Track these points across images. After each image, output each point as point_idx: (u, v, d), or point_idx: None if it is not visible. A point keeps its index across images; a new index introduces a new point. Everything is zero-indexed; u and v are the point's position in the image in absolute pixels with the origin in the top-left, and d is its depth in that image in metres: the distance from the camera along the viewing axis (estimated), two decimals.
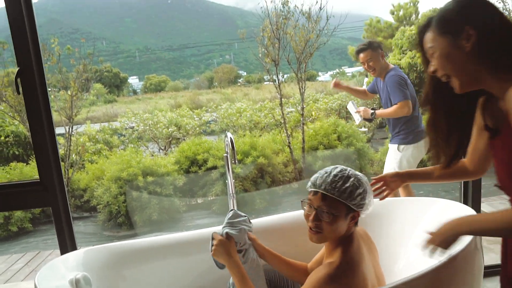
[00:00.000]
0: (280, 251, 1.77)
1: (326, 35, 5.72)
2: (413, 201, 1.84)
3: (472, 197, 2.39)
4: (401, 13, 12.74)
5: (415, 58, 7.35)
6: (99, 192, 5.05)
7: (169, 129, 7.64)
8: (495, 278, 2.49)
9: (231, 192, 1.98)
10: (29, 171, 5.62)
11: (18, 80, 2.05)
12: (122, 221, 4.96)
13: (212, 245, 1.48)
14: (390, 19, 13.41)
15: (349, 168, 1.35)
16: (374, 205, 1.39)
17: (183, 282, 1.86)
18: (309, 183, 1.35)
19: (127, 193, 4.94)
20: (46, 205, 2.15)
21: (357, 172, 1.35)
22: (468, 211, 1.61)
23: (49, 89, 6.12)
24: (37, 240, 5.08)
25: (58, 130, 7.75)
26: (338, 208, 1.27)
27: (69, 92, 5.65)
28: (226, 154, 1.95)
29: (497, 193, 4.68)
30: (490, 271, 2.57)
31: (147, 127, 7.80)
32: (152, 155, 6.80)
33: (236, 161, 1.82)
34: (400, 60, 7.54)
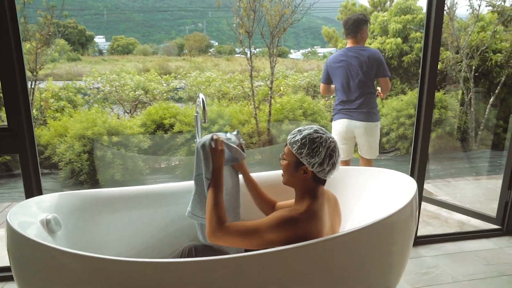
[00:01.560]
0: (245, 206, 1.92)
1: (301, 12, 5.79)
2: (363, 171, 2.03)
3: (418, 171, 2.63)
4: None
5: (384, 44, 7.60)
6: (62, 149, 5.00)
7: (136, 93, 7.56)
8: (428, 246, 2.79)
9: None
10: None
11: None
12: (84, 179, 4.96)
13: (210, 145, 1.65)
14: (366, 3, 13.57)
15: (322, 130, 1.53)
16: (340, 172, 1.59)
17: (149, 231, 1.98)
18: None
19: (91, 151, 4.93)
20: (14, 152, 2.18)
21: (323, 135, 1.50)
22: (409, 181, 1.81)
23: None
24: None
25: None
26: (290, 157, 1.53)
27: (33, 44, 5.45)
28: (196, 114, 2.05)
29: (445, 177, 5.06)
30: (425, 240, 2.87)
31: (113, 89, 7.67)
32: (118, 117, 6.74)
33: (206, 121, 1.93)
34: (370, 44, 7.77)
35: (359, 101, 3.11)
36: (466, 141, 6.74)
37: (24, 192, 2.30)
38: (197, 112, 2.04)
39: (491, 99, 6.56)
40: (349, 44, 3.15)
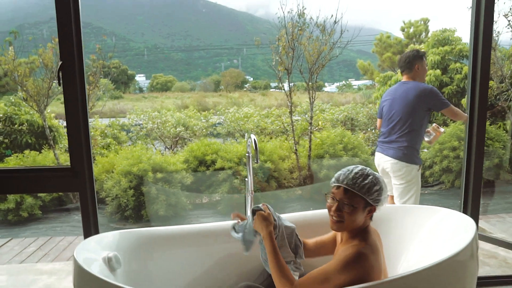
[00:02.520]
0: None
1: (338, 48, 5.89)
2: (417, 209, 1.98)
3: (471, 207, 2.54)
4: (411, 30, 12.93)
5: None
6: (109, 185, 5.20)
7: (177, 129, 7.81)
8: None
9: (250, 189, 2.13)
10: (41, 159, 5.78)
11: (60, 73, 2.22)
12: (129, 214, 5.10)
13: (252, 219, 1.67)
14: (400, 35, 13.61)
15: (368, 168, 1.55)
16: (383, 210, 1.57)
17: (202, 268, 2.00)
18: (333, 179, 1.55)
19: (136, 187, 5.09)
20: (75, 190, 2.30)
21: (375, 172, 1.55)
22: (467, 220, 1.75)
23: None
24: (46, 226, 5.23)
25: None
26: (357, 201, 1.47)
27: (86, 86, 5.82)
28: (248, 154, 2.10)
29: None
30: (485, 281, 2.72)
31: (155, 125, 7.96)
32: (162, 154, 6.96)
33: (258, 161, 1.97)
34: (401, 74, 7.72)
35: (393, 136, 2.99)
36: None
37: (82, 228, 2.40)
38: (248, 152, 2.10)
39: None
40: (403, 79, 3.10)
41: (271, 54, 5.98)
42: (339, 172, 1.56)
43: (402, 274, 1.40)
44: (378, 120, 3.29)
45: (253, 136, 2.01)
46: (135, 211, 5.10)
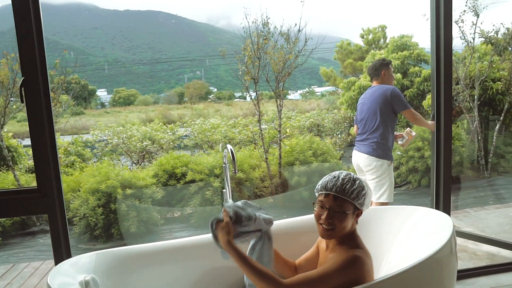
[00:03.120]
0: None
1: (303, 56, 5.98)
2: (395, 209, 2.02)
3: (443, 205, 2.62)
4: (370, 37, 13.38)
5: None
6: (76, 204, 4.99)
7: (143, 143, 7.65)
8: (461, 282, 2.72)
9: (228, 200, 2.10)
10: None
11: (22, 89, 2.11)
12: (99, 234, 4.90)
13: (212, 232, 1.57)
14: (360, 42, 14.04)
15: (352, 173, 1.56)
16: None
17: (183, 285, 1.94)
18: (319, 187, 1.54)
19: (105, 205, 4.91)
20: (44, 212, 2.18)
21: (359, 176, 1.56)
22: (444, 218, 1.80)
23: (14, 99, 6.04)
24: (7, 254, 4.93)
25: (26, 142, 7.58)
26: (347, 207, 1.47)
27: None
28: (224, 165, 2.07)
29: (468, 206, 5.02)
30: (457, 275, 2.80)
31: (121, 141, 7.76)
32: (130, 169, 6.78)
33: (236, 171, 1.95)
34: (370, 81, 7.94)
35: (365, 134, 3.23)
36: (477, 170, 6.73)
37: (49, 251, 2.28)
38: (224, 163, 2.07)
39: (497, 126, 6.62)
40: (372, 85, 3.37)
41: (237, 65, 6.00)
42: (324, 180, 1.54)
43: (386, 276, 1.41)
44: (355, 126, 3.48)
45: (229, 147, 1.99)
46: (104, 230, 4.91)
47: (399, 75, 7.75)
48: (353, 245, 1.48)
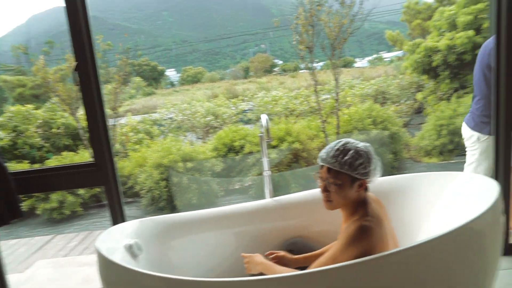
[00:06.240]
0: (314, 222, 1.92)
1: (361, 20, 5.69)
2: (434, 176, 1.89)
3: (503, 168, 2.40)
4: None
5: (454, 40, 7.15)
6: (142, 178, 5.37)
7: (207, 119, 7.91)
8: None
9: (266, 169, 2.13)
10: (78, 159, 6.05)
11: (76, 73, 2.30)
12: (164, 206, 5.25)
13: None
14: (430, 0, 12.95)
15: (352, 140, 1.46)
16: (398, 180, 1.49)
17: (224, 252, 2.04)
18: (318, 158, 1.48)
19: (169, 178, 5.22)
20: (101, 184, 2.39)
21: (360, 144, 1.45)
22: (489, 183, 1.65)
23: None
24: (87, 222, 5.50)
25: None
26: (342, 178, 1.40)
27: (113, 85, 6.00)
28: (261, 134, 2.10)
29: None
30: None
31: (186, 117, 8.11)
32: (191, 144, 7.09)
33: (271, 139, 1.96)
34: (438, 42, 7.36)
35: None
36: None
37: (111, 220, 2.50)
38: (261, 133, 2.09)
39: None
40: None
41: (292, 35, 5.89)
42: (323, 150, 1.47)
43: (411, 244, 1.34)
44: None
45: (264, 116, 2.00)
46: (168, 202, 5.25)
47: (471, 32, 7.07)
48: (360, 214, 1.40)
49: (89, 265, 3.17)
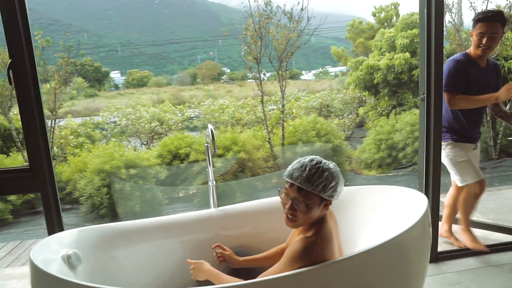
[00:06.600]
0: (258, 232, 1.95)
1: (308, 35, 5.90)
2: (373, 189, 2.02)
3: (432, 184, 2.60)
4: (382, 15, 13.06)
5: (393, 60, 7.63)
6: (82, 184, 5.13)
7: (152, 124, 7.74)
8: (449, 262, 2.73)
9: (211, 179, 2.14)
10: (9, 163, 5.64)
11: (10, 72, 2.16)
12: (105, 213, 5.05)
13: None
14: (372, 20, 13.73)
15: (323, 161, 1.44)
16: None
17: (167, 262, 2.00)
18: (286, 173, 1.42)
19: (110, 185, 5.03)
20: (36, 191, 2.26)
21: (331, 165, 1.43)
22: (419, 197, 1.79)
23: None
24: (18, 231, 5.12)
25: None
26: (312, 199, 1.37)
27: (52, 85, 5.69)
28: (207, 144, 2.10)
29: None
30: (446, 255, 2.81)
31: (130, 122, 7.87)
32: (135, 150, 6.89)
33: (216, 150, 1.98)
34: (379, 61, 7.82)
35: None
36: (485, 150, 6.62)
37: (46, 229, 2.37)
38: (207, 142, 2.10)
39: (507, 107, 6.46)
40: None
41: (241, 45, 5.97)
42: (292, 166, 1.42)
43: (345, 256, 1.41)
44: None
45: (210, 126, 2.01)
46: (110, 209, 5.05)
47: (407, 54, 7.59)
48: (312, 233, 1.40)
49: (18, 278, 2.95)
